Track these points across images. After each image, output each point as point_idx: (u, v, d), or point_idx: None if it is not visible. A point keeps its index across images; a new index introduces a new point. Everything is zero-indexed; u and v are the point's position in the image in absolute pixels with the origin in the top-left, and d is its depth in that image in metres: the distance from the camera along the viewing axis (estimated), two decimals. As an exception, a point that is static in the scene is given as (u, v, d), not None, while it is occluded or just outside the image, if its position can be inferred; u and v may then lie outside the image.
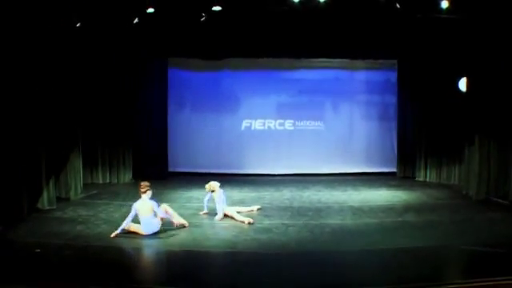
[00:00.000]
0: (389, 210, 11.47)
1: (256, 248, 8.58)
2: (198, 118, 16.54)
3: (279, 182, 15.09)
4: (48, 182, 11.05)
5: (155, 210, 9.29)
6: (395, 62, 16.02)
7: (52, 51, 11.40)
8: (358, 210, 11.38)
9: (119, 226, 9.26)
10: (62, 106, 12.13)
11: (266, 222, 10.13)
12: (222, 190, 10.56)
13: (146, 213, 9.22)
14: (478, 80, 12.59)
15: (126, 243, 8.76)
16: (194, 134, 16.41)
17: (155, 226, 9.30)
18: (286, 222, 10.29)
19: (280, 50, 15.48)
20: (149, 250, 8.58)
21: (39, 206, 10.91)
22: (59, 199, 12.04)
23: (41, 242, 8.70)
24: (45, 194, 10.96)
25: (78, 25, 11.73)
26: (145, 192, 9.38)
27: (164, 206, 9.60)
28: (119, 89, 15.02)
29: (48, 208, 11.10)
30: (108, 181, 14.99)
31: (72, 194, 12.33)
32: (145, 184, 9.49)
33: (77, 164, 12.69)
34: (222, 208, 10.34)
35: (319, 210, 11.38)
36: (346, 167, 16.59)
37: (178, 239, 9.05)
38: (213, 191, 10.51)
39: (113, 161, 15.04)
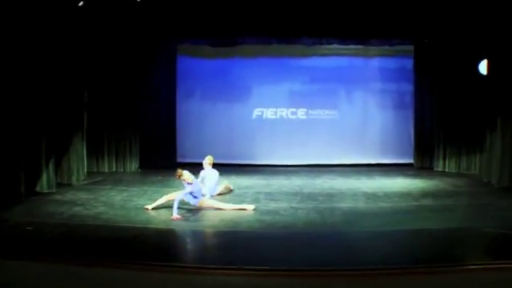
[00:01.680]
0: (405, 195, 10.86)
1: (259, 228, 8.02)
2: (208, 106, 16.03)
3: (290, 172, 14.51)
4: (48, 166, 10.63)
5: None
6: (411, 47, 15.36)
7: (56, 32, 10.99)
8: (371, 196, 10.78)
9: (118, 207, 8.75)
10: (67, 90, 11.72)
11: (273, 205, 9.55)
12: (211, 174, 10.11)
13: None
14: (500, 61, 11.88)
15: (126, 221, 8.26)
16: (204, 123, 15.90)
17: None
18: (295, 205, 9.72)
19: (292, 35, 14.94)
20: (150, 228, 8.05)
21: (38, 189, 10.49)
22: (61, 184, 11.70)
23: (35, 221, 8.27)
24: (44, 177, 10.54)
25: (80, 4, 11.27)
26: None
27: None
28: (127, 76, 14.57)
29: (47, 191, 10.66)
30: (114, 169, 14.54)
31: (74, 179, 11.90)
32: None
33: (80, 149, 12.27)
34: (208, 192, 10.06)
35: (331, 195, 10.81)
36: (360, 158, 15.91)
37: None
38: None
39: (119, 149, 14.60)
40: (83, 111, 12.60)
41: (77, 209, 9.31)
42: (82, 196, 10.56)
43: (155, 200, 9.51)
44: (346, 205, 9.77)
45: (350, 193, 11.12)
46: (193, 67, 15.99)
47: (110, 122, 14.48)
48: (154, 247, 6.93)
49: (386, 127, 16.02)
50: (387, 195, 10.80)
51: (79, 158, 12.14)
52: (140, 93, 14.86)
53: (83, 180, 12.49)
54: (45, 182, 10.55)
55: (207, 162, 10.83)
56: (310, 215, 8.86)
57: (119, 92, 14.41)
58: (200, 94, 16.09)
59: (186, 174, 9.19)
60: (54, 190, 10.76)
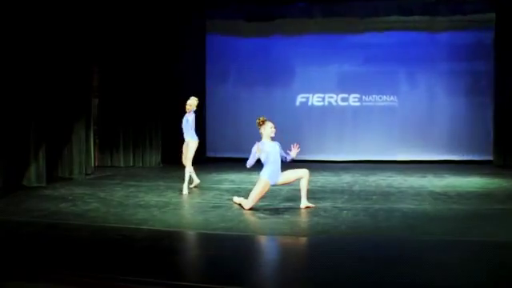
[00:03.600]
0: (485, 196, 8.83)
1: (289, 232, 6.26)
2: (243, 93, 14.52)
3: (340, 169, 12.66)
4: (37, 156, 9.22)
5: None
6: (491, 15, 13.19)
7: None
8: (441, 196, 8.80)
9: (115, 204, 7.38)
10: (69, 69, 10.40)
11: (312, 205, 7.72)
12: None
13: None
14: None
15: (116, 221, 6.66)
16: (238, 112, 14.30)
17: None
18: (340, 205, 7.88)
19: (342, 6, 13.11)
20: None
21: (25, 183, 9.13)
22: (61, 179, 10.48)
23: (3, 218, 6.80)
24: (32, 170, 9.20)
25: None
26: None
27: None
28: (147, 57, 13.12)
29: (36, 185, 9.27)
30: (131, 164, 13.12)
31: (76, 172, 10.49)
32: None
33: (85, 139, 10.88)
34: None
35: (388, 194, 8.90)
36: (425, 153, 14.09)
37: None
38: None
39: (138, 142, 13.21)
40: (89, 96, 11.22)
41: (63, 205, 7.84)
42: (78, 191, 9.16)
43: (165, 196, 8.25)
44: (406, 206, 7.85)
45: (412, 192, 9.18)
46: (225, 47, 14.64)
47: (126, 110, 13.08)
48: (140, 255, 5.25)
49: (458, 117, 14.08)
50: (461, 196, 8.79)
51: (83, 150, 10.73)
52: (163, 77, 13.38)
53: (90, 174, 11.10)
54: (33, 175, 9.19)
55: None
56: (359, 217, 7.01)
57: (138, 76, 13.03)
58: (233, 79, 14.68)
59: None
60: (43, 184, 9.37)
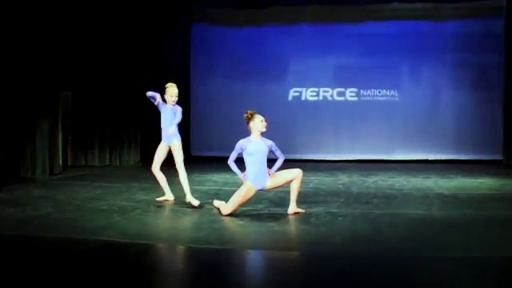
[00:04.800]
0: (500, 200, 7.73)
1: (271, 245, 5.10)
2: (231, 86, 13.49)
3: (337, 169, 11.54)
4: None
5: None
6: (502, 2, 12.22)
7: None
8: (450, 199, 7.67)
9: (73, 209, 6.33)
10: (33, 60, 9.27)
11: (300, 210, 6.56)
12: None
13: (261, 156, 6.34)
14: None
15: (66, 229, 5.50)
16: (226, 107, 13.24)
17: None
18: (334, 210, 6.72)
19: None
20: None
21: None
22: (23, 179, 9.30)
23: None
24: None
25: None
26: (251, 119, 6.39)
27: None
28: (127, 48, 11.98)
29: (-13, 187, 8.13)
30: (108, 163, 11.99)
31: (39, 172, 9.33)
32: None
33: (48, 136, 9.69)
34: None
35: (390, 197, 7.76)
36: (428, 152, 13.21)
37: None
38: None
39: (115, 139, 12.08)
40: (57, 88, 10.08)
41: (10, 211, 6.70)
42: (36, 194, 8.04)
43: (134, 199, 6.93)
44: (412, 211, 6.71)
45: (417, 194, 8.05)
46: (212, 37, 13.63)
47: (104, 104, 11.95)
48: (74, 275, 4.09)
49: (464, 113, 13.15)
50: (474, 199, 7.67)
51: (46, 147, 9.55)
52: (143, 69, 12.24)
53: (57, 174, 9.94)
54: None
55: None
56: (357, 225, 5.86)
57: (117, 68, 11.92)
58: (221, 71, 13.70)
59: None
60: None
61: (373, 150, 13.09)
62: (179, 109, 7.20)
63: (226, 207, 6.39)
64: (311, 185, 8.97)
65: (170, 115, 7.16)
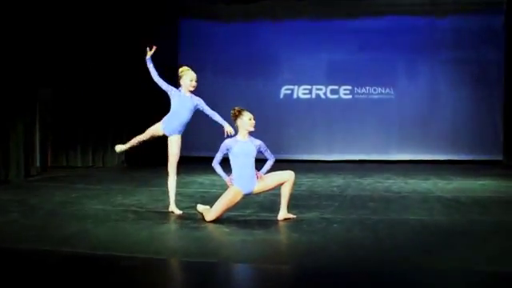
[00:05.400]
0: (506, 203, 7.17)
1: (262, 254, 4.49)
2: (221, 84, 12.91)
3: (330, 170, 10.95)
4: None
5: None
6: (502, -1, 11.67)
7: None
8: (452, 203, 7.09)
9: (43, 215, 5.82)
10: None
11: (291, 216, 5.95)
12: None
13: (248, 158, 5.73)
14: None
15: (29, 239, 4.88)
16: (215, 106, 12.30)
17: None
18: (329, 215, 6.12)
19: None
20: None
21: None
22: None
23: None
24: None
25: None
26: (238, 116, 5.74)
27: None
28: (112, 44, 11.34)
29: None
30: (90, 164, 11.33)
31: (12, 174, 8.67)
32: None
33: (23, 134, 9.04)
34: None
35: (388, 201, 7.17)
36: (425, 152, 12.63)
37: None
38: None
39: (98, 138, 11.41)
40: (34, 84, 9.44)
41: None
42: (6, 197, 7.48)
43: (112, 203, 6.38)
44: (413, 216, 6.11)
45: (416, 198, 7.47)
46: (201, 32, 12.96)
47: (86, 101, 11.30)
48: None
49: (463, 111, 12.61)
50: (478, 203, 7.10)
51: (21, 148, 8.93)
52: (128, 66, 11.55)
53: (34, 175, 9.30)
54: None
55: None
56: (353, 233, 5.28)
57: (100, 64, 11.29)
58: (210, 69, 13.02)
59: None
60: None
61: (368, 149, 12.53)
62: (200, 100, 6.20)
63: (210, 213, 5.77)
64: (303, 187, 8.36)
65: (190, 105, 6.12)
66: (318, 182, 9.07)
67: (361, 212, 6.34)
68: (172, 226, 5.72)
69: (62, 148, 11.13)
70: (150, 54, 6.33)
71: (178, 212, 6.20)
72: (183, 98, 6.14)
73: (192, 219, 5.87)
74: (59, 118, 11.06)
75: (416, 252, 4.59)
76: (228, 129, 5.89)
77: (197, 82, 6.19)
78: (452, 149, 12.37)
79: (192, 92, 6.21)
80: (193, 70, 13.08)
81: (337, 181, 9.27)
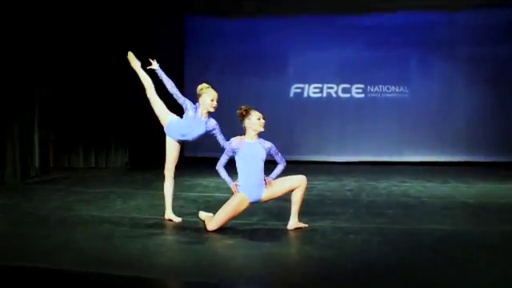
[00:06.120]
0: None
1: (269, 273, 3.82)
2: (227, 82, 12.03)
3: (342, 172, 10.24)
4: None
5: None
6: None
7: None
8: (479, 210, 6.39)
9: (28, 222, 5.27)
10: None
11: (302, 225, 5.25)
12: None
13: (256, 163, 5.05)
14: None
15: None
16: (221, 104, 11.71)
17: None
18: (343, 224, 5.43)
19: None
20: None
21: None
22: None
23: None
24: None
25: None
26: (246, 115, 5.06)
27: None
28: (115, 41, 10.65)
29: None
30: (93, 165, 10.71)
31: (8, 176, 8.07)
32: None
33: (19, 134, 8.41)
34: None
35: (407, 208, 6.46)
36: (441, 153, 11.70)
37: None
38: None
39: (101, 139, 10.75)
40: (34, 86, 8.83)
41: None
42: (-2, 201, 6.72)
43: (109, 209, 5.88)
44: (437, 226, 5.40)
45: (438, 204, 6.75)
46: (207, 29, 12.18)
47: (88, 101, 10.66)
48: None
49: (480, 110, 11.66)
50: (507, 209, 6.35)
51: (17, 148, 8.31)
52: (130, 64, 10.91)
53: (33, 177, 8.69)
54: None
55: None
56: (373, 247, 4.60)
57: (103, 63, 10.61)
58: (216, 66, 12.23)
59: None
60: None
61: (380, 150, 11.73)
62: (217, 126, 5.34)
63: (212, 222, 5.11)
64: (314, 191, 7.66)
65: (201, 130, 5.30)
66: (330, 186, 8.37)
67: (379, 220, 5.65)
68: (169, 237, 5.05)
69: (65, 148, 10.52)
70: (155, 64, 5.62)
71: (176, 219, 5.54)
72: (197, 121, 5.31)
73: (192, 228, 5.22)
74: (61, 118, 10.44)
75: (444, 270, 3.90)
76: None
77: (218, 101, 5.34)
78: (469, 150, 11.56)
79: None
80: (198, 67, 12.54)
81: (349, 184, 8.57)
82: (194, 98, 5.41)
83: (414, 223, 5.54)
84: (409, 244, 4.67)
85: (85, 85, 10.59)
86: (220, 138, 5.36)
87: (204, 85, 5.46)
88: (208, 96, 5.32)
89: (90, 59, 10.48)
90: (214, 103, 5.31)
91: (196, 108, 5.34)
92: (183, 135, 5.43)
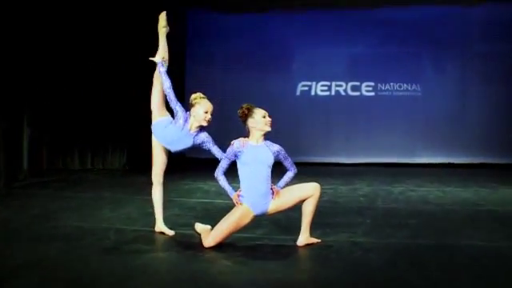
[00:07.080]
0: None
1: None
2: (232, 79, 11.41)
3: (352, 174, 9.40)
4: None
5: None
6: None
7: None
8: (510, 220, 5.48)
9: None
10: None
11: (314, 238, 4.40)
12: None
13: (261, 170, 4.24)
14: None
15: None
16: (225, 103, 10.90)
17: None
18: (361, 239, 4.58)
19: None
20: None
21: None
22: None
23: None
24: None
25: None
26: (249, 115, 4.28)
27: None
28: (113, 36, 9.89)
29: None
30: (89, 166, 9.87)
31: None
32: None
33: (7, 136, 7.61)
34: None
35: (430, 217, 5.63)
36: (455, 154, 10.78)
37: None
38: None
39: (98, 139, 9.91)
40: (21, 79, 8.03)
41: None
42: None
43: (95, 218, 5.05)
44: (470, 241, 4.57)
45: (463, 212, 5.91)
46: (210, 24, 11.34)
47: (84, 99, 9.83)
48: None
49: (496, 110, 10.77)
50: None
51: (5, 151, 7.51)
52: (132, 59, 10.08)
53: (22, 180, 7.90)
54: None
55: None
56: (399, 269, 3.77)
57: (101, 58, 9.80)
58: (220, 63, 11.47)
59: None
60: None
61: (392, 151, 10.86)
62: (209, 138, 4.53)
63: (210, 237, 4.27)
64: (325, 197, 6.77)
65: (188, 143, 4.50)
66: (341, 190, 7.52)
67: (400, 234, 4.80)
68: (159, 254, 4.23)
69: (59, 149, 9.68)
70: (158, 58, 4.83)
71: (168, 232, 4.70)
72: (184, 134, 4.49)
73: (185, 244, 4.39)
74: (57, 119, 9.63)
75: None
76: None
77: (212, 114, 4.49)
78: (485, 151, 10.67)
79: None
80: (200, 63, 11.72)
81: (362, 188, 7.72)
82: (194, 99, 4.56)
83: (442, 238, 4.69)
84: (442, 267, 3.82)
85: (84, 85, 9.79)
86: (214, 149, 4.51)
87: (198, 94, 4.62)
88: (202, 107, 4.49)
89: (88, 58, 9.69)
90: (208, 116, 4.47)
91: (186, 119, 4.50)
92: (167, 143, 4.59)
